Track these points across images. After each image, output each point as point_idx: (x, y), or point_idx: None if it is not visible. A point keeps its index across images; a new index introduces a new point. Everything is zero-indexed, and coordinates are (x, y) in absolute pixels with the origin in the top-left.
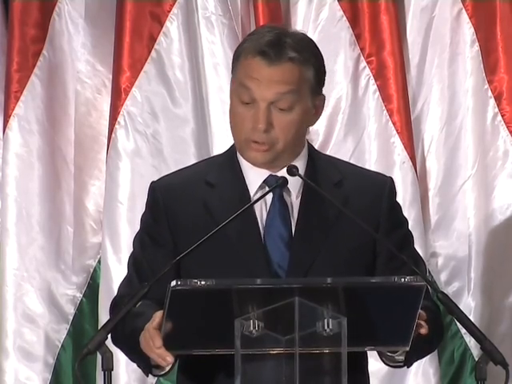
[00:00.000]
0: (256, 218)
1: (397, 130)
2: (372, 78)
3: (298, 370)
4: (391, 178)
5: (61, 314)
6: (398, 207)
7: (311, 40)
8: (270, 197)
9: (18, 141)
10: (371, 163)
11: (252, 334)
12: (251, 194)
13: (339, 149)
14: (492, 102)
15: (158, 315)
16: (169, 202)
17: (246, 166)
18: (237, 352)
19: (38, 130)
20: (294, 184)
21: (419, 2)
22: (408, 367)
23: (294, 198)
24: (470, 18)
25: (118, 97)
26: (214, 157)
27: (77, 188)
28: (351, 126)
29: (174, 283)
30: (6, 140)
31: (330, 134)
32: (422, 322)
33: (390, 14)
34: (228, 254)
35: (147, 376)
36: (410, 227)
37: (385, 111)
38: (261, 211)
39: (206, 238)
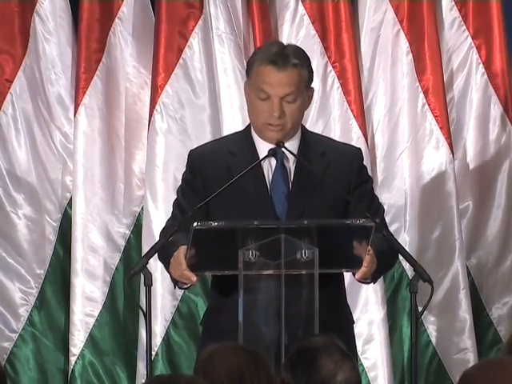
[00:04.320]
0: (265, 179)
1: (354, 115)
2: (336, 78)
3: (284, 285)
4: (360, 149)
5: (115, 245)
6: (365, 169)
7: (302, 49)
8: (274, 163)
9: (85, 122)
10: (336, 139)
11: (251, 260)
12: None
13: (313, 128)
14: (421, 95)
15: (182, 248)
16: (202, 164)
17: (257, 140)
18: (240, 273)
19: (98, 115)
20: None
21: (370, 23)
22: (374, 283)
23: (291, 164)
24: (405, 36)
25: (155, 91)
26: (234, 133)
27: (126, 156)
28: (321, 112)
29: (195, 224)
30: (76, 122)
31: (306, 118)
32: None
33: (349, 32)
34: (245, 204)
35: (174, 288)
36: None
37: (345, 102)
38: (268, 173)
39: (223, 189)
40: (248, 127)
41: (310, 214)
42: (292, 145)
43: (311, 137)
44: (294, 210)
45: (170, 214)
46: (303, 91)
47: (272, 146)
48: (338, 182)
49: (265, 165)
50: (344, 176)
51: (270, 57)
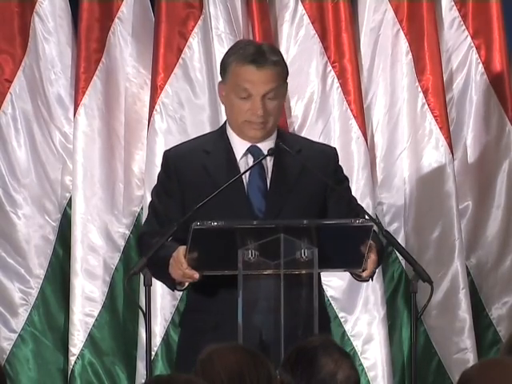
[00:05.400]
0: (241, 176)
1: (353, 115)
2: (336, 78)
3: (283, 285)
4: (335, 148)
5: (114, 245)
6: (341, 169)
7: (274, 46)
8: (251, 160)
9: (84, 122)
10: (335, 139)
11: (250, 260)
12: (237, 158)
13: (313, 128)
14: (421, 95)
15: (181, 248)
16: (177, 165)
17: (233, 138)
18: (239, 273)
19: (98, 115)
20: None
21: (369, 23)
22: (372, 280)
23: (269, 161)
24: (405, 36)
25: (155, 91)
26: (209, 133)
27: (126, 156)
28: (321, 112)
29: (195, 224)
30: (76, 122)
31: (306, 118)
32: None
33: (349, 32)
34: (222, 202)
35: (173, 291)
36: (362, 185)
37: (345, 101)
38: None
39: (216, 194)
40: (223, 126)
41: (288, 210)
42: (269, 144)
43: (286, 136)
44: (271, 207)
45: (146, 219)
46: (281, 87)
47: (248, 144)
48: (315, 180)
49: (242, 163)
50: (321, 167)
51: (248, 56)
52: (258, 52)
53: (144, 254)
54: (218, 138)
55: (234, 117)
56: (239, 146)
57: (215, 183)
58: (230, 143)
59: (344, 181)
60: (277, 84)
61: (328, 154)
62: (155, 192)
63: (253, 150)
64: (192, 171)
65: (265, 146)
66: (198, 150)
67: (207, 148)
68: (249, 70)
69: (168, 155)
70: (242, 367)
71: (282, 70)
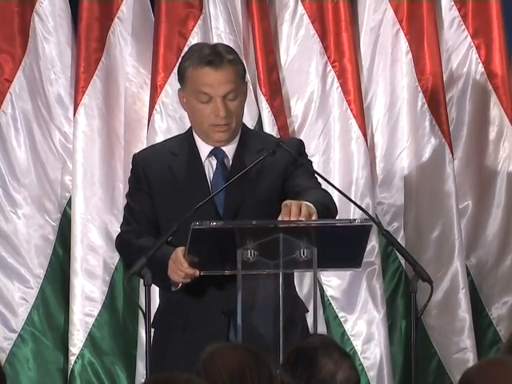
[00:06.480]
0: (206, 177)
1: (353, 115)
2: (336, 77)
3: (282, 285)
4: (300, 140)
5: (114, 245)
6: (304, 156)
7: (228, 45)
8: (214, 162)
9: (84, 122)
10: (335, 138)
11: (249, 260)
12: (202, 159)
13: (312, 128)
14: (421, 94)
15: (180, 249)
16: (145, 167)
17: (198, 141)
18: (238, 272)
19: (98, 115)
20: (230, 152)
21: (369, 23)
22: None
23: (230, 162)
24: (405, 35)
25: (155, 91)
26: (177, 135)
27: (126, 156)
28: (321, 112)
29: (194, 224)
30: (75, 122)
31: (305, 118)
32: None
33: (349, 32)
34: (187, 203)
35: (168, 291)
36: (362, 184)
37: (345, 101)
38: (209, 172)
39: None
40: (190, 129)
41: (246, 209)
42: (232, 148)
43: (250, 137)
44: (229, 205)
45: (123, 219)
46: (241, 86)
47: (211, 146)
48: (273, 177)
49: (206, 164)
50: (281, 162)
51: (204, 58)
52: (214, 53)
53: (129, 252)
54: (185, 141)
55: (198, 122)
56: (204, 148)
57: (179, 183)
58: (195, 144)
59: (306, 164)
60: (236, 83)
61: (292, 144)
62: (128, 194)
63: (216, 152)
64: (158, 172)
65: (228, 149)
66: (165, 153)
67: (174, 150)
68: (206, 73)
69: (136, 158)
70: (243, 366)
71: (239, 68)
